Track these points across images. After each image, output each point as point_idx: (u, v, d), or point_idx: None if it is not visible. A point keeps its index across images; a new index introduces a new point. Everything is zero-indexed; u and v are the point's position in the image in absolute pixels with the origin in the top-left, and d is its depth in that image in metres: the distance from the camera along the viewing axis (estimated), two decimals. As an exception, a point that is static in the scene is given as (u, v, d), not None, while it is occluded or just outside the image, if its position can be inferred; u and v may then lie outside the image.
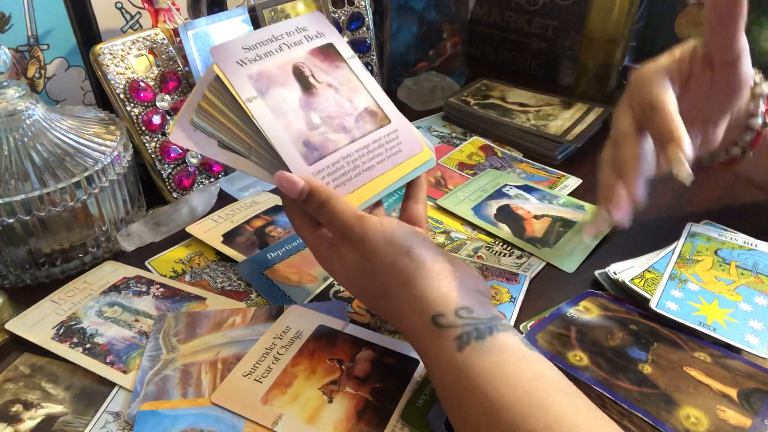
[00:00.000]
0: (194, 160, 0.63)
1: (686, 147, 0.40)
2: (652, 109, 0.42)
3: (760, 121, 0.47)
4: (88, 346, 0.45)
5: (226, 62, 0.44)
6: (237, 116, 0.44)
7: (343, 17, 0.75)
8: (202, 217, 0.60)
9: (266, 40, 0.47)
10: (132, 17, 0.70)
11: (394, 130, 0.48)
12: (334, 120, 0.46)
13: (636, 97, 0.45)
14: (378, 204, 0.48)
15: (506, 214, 0.61)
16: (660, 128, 0.42)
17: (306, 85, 0.47)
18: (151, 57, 0.60)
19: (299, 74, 0.47)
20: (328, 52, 0.49)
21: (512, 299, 0.50)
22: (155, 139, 0.60)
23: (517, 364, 0.33)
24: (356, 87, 0.49)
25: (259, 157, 0.45)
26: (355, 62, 0.50)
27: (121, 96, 0.58)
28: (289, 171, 0.43)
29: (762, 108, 0.47)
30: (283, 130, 0.44)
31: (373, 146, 0.47)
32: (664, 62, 0.45)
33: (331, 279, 0.52)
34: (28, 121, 0.50)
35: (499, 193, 0.64)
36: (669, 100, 0.42)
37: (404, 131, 0.49)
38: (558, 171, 0.70)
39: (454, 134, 0.78)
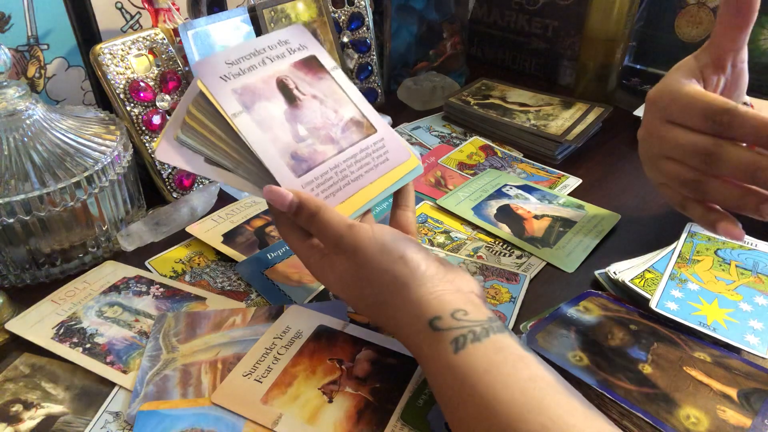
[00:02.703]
0: (194, 160, 0.63)
1: None
2: (729, 112, 0.36)
3: None
4: (88, 346, 0.45)
5: (210, 77, 0.44)
6: (223, 131, 0.44)
7: (343, 17, 0.75)
8: (202, 217, 0.60)
9: (249, 54, 0.47)
10: (132, 17, 0.70)
11: (381, 138, 0.48)
12: (320, 131, 0.46)
13: (681, 110, 0.39)
14: (366, 212, 0.48)
15: (506, 214, 0.61)
16: (762, 129, 0.35)
17: (290, 97, 0.47)
18: (151, 57, 0.60)
19: (283, 87, 0.47)
20: (311, 65, 0.50)
21: (512, 299, 0.50)
22: (155, 139, 0.60)
23: (513, 365, 0.33)
24: (340, 97, 0.49)
25: (247, 171, 0.45)
26: (338, 73, 0.50)
27: (121, 96, 0.58)
28: (278, 184, 0.43)
29: None
30: (270, 144, 0.44)
31: (361, 156, 0.47)
32: (680, 74, 0.41)
33: (327, 288, 0.52)
34: (28, 121, 0.50)
35: (499, 193, 0.64)
36: (729, 100, 0.37)
37: (390, 140, 0.49)
38: (558, 171, 0.70)
39: (454, 134, 0.78)
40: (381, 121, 0.50)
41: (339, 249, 0.41)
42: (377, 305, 0.40)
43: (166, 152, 0.45)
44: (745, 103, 0.46)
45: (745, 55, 0.41)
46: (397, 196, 0.49)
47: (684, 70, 0.42)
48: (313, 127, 0.46)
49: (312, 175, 0.44)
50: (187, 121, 0.45)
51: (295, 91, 0.47)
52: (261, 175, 0.44)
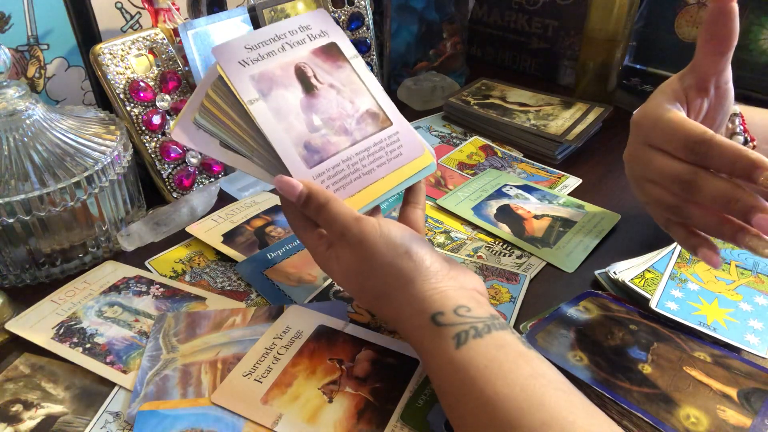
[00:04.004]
0: (194, 160, 0.63)
1: None
2: (706, 143, 0.36)
3: (742, 138, 0.47)
4: (88, 346, 0.45)
5: (229, 62, 0.44)
6: (239, 117, 0.44)
7: (343, 17, 0.75)
8: (202, 217, 0.60)
9: (269, 40, 0.47)
10: (132, 17, 0.70)
11: (396, 132, 0.48)
12: (335, 122, 0.46)
13: (662, 138, 0.40)
14: (375, 207, 0.48)
15: (506, 214, 0.61)
16: (737, 161, 0.35)
17: (308, 86, 0.47)
18: (151, 57, 0.60)
19: (301, 75, 0.47)
20: (330, 52, 0.49)
21: (512, 299, 0.50)
22: (155, 139, 0.60)
23: (514, 361, 0.34)
24: (358, 88, 0.49)
25: (261, 159, 0.45)
26: (358, 62, 0.50)
27: (121, 96, 0.58)
28: (290, 174, 0.43)
29: (740, 125, 0.47)
30: (284, 133, 0.44)
31: (374, 149, 0.47)
32: (664, 98, 0.41)
33: (331, 279, 0.52)
34: (28, 121, 0.50)
35: (499, 193, 0.64)
36: (708, 129, 0.37)
37: (406, 134, 0.48)
38: (558, 171, 0.70)
39: (454, 134, 0.78)
40: (397, 114, 0.49)
41: (345, 241, 0.41)
42: (380, 298, 0.40)
43: (182, 134, 0.45)
44: (734, 113, 0.46)
45: (728, 75, 0.41)
46: (408, 193, 0.49)
47: (668, 93, 0.42)
48: (328, 117, 0.46)
49: (324, 166, 0.44)
50: (205, 104, 0.45)
51: (313, 80, 0.47)
52: (274, 164, 0.44)
